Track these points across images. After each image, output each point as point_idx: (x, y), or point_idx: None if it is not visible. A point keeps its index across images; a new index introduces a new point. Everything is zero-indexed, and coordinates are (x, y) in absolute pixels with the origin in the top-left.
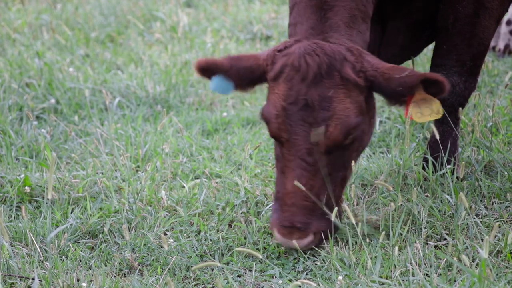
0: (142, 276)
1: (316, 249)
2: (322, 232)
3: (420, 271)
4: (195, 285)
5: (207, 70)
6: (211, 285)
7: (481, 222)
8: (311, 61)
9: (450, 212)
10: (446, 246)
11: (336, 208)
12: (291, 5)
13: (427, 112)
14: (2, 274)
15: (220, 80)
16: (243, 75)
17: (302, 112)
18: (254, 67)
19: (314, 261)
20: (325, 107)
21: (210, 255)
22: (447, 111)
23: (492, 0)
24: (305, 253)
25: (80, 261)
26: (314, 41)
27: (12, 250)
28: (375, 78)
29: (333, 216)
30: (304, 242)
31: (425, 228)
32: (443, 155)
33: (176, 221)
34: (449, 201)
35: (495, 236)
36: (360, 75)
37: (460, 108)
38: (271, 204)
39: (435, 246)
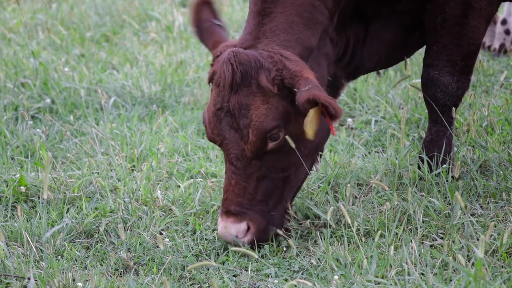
0: (137, 275)
1: (312, 248)
2: (261, 230)
3: (416, 270)
4: (190, 285)
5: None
6: (207, 285)
7: (476, 221)
8: (226, 71)
9: (446, 211)
10: (442, 246)
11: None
12: None
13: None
14: None
15: None
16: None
17: (228, 118)
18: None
19: (309, 261)
20: (244, 114)
21: (206, 254)
22: (441, 111)
23: (480, 0)
24: (300, 253)
25: (76, 260)
26: (233, 50)
27: (8, 250)
28: (292, 86)
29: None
30: (239, 227)
31: (420, 227)
32: (439, 154)
33: (171, 221)
34: (444, 201)
35: (491, 235)
36: (275, 82)
37: (454, 108)
38: None
39: (431, 246)
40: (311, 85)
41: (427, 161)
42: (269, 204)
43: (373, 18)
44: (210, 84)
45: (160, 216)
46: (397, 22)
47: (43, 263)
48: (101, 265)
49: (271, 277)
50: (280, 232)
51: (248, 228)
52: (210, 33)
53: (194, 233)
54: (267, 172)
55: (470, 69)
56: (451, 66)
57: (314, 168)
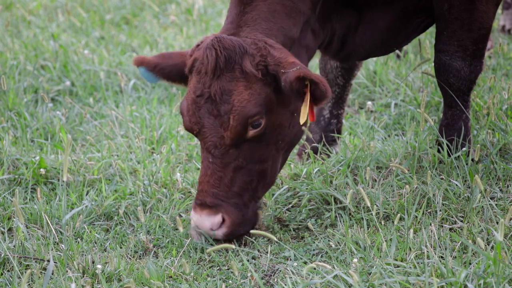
0: (157, 258)
1: (331, 231)
2: (236, 223)
3: (435, 253)
4: (210, 267)
5: (142, 65)
6: (226, 267)
7: (496, 204)
8: (210, 56)
9: (465, 194)
10: (461, 229)
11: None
12: None
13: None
14: (17, 256)
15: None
16: (171, 72)
17: (207, 105)
18: (181, 64)
19: (329, 244)
20: (226, 100)
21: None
22: (455, 95)
23: None
24: (319, 236)
25: (95, 243)
26: (217, 36)
27: (27, 232)
28: (277, 72)
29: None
30: (214, 219)
31: (440, 210)
32: (456, 138)
33: (191, 203)
34: (464, 184)
35: (510, 218)
36: (259, 68)
37: (470, 93)
38: (285, 187)
39: (450, 229)
40: (299, 66)
41: (447, 144)
42: (244, 198)
43: (366, 5)
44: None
45: (180, 199)
46: (396, 9)
47: (62, 245)
48: (121, 248)
49: (290, 260)
50: (253, 231)
51: (223, 221)
52: (170, 57)
53: None
54: (244, 162)
55: (482, 52)
56: (462, 51)
57: (333, 151)
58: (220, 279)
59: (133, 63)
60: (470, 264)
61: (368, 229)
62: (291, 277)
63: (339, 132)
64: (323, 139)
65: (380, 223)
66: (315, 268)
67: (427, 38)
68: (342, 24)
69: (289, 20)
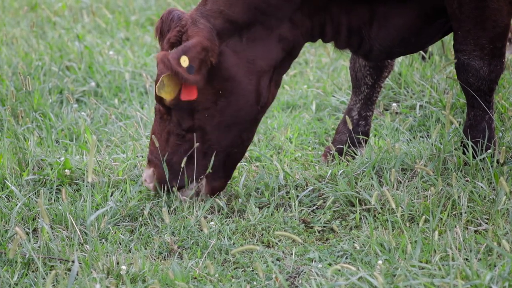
0: (181, 259)
1: (356, 233)
2: (162, 176)
3: (460, 256)
4: (234, 269)
5: None
6: (251, 269)
7: None
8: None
9: (491, 196)
10: (486, 231)
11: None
12: None
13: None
14: (42, 257)
15: None
16: None
17: None
18: None
19: (353, 245)
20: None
21: (250, 238)
22: (477, 95)
23: None
24: (344, 237)
25: (120, 244)
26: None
27: (52, 232)
28: None
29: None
30: (148, 172)
31: (465, 212)
32: (481, 139)
33: (215, 204)
34: (489, 186)
35: None
36: (171, 41)
37: (499, 94)
38: (310, 188)
39: (475, 231)
40: (180, 48)
41: (472, 146)
42: (175, 158)
43: (378, 2)
44: None
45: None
46: (413, 7)
47: (87, 246)
48: (145, 249)
49: (315, 261)
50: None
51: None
52: None
53: (239, 217)
54: (174, 128)
55: (500, 52)
56: (479, 50)
57: (359, 153)
58: (244, 281)
59: None
60: (495, 266)
61: (393, 231)
62: (316, 279)
63: (366, 134)
64: (349, 140)
65: (405, 225)
66: (339, 270)
67: (452, 40)
68: (350, 16)
69: (234, 6)
